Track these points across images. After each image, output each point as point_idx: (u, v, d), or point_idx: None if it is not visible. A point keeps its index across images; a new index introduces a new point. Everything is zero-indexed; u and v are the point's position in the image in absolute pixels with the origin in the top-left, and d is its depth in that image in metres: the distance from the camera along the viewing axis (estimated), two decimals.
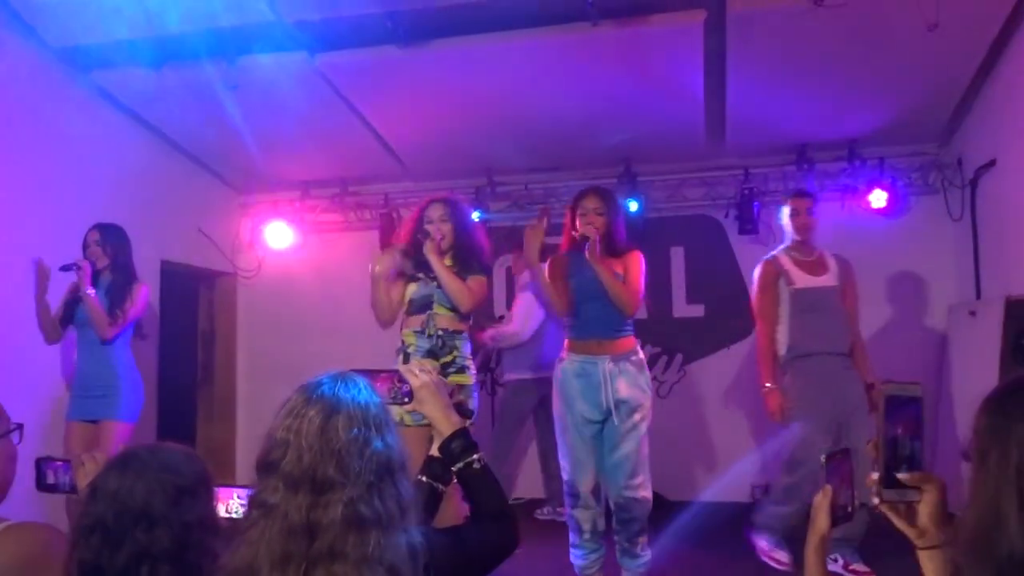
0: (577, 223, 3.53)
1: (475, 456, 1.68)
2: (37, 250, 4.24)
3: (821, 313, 3.88)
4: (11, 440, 1.73)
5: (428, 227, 3.48)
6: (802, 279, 3.95)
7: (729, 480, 5.53)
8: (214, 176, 6.20)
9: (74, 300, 4.12)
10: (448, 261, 3.50)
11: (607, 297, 3.41)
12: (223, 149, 5.79)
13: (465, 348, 3.49)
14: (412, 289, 3.51)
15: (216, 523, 1.50)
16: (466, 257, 3.53)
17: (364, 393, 1.41)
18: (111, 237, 4.18)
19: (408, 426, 3.24)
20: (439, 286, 3.44)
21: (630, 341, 3.51)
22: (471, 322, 3.61)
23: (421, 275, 3.49)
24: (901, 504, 1.22)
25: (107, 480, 1.44)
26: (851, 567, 3.84)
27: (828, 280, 3.95)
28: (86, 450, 3.68)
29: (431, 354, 3.41)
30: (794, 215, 4.00)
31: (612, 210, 3.55)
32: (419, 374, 1.75)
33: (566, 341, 3.58)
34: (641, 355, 3.53)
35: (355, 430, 1.34)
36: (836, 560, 3.86)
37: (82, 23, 4.38)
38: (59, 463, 1.95)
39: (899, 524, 1.23)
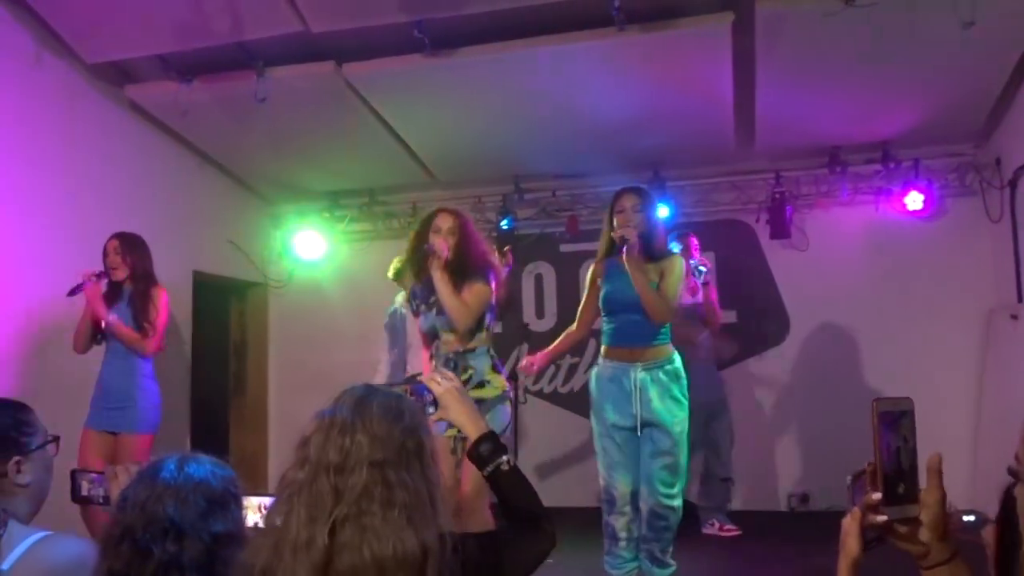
0: (615, 224, 3.45)
1: (504, 458, 1.66)
2: (70, 262, 4.29)
3: None
4: (48, 452, 1.75)
5: (434, 237, 3.35)
6: None
7: (765, 489, 5.44)
8: (244, 187, 6.26)
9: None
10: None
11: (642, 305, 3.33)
12: (253, 160, 5.85)
13: (481, 362, 3.36)
14: (420, 323, 3.51)
15: (244, 535, 1.48)
16: (465, 267, 3.37)
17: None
18: (131, 246, 4.10)
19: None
20: (438, 313, 3.36)
21: (665, 349, 3.43)
22: (488, 330, 3.46)
23: (423, 306, 3.42)
24: (902, 522, 1.18)
25: (137, 490, 1.44)
26: (724, 528, 4.77)
27: None
28: (102, 459, 3.72)
29: None
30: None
31: (650, 209, 3.48)
32: (441, 381, 1.74)
33: (602, 347, 3.53)
34: (677, 363, 3.45)
35: None
36: (713, 524, 4.79)
37: (115, 39, 4.46)
38: (93, 474, 1.96)
39: (901, 544, 1.18)
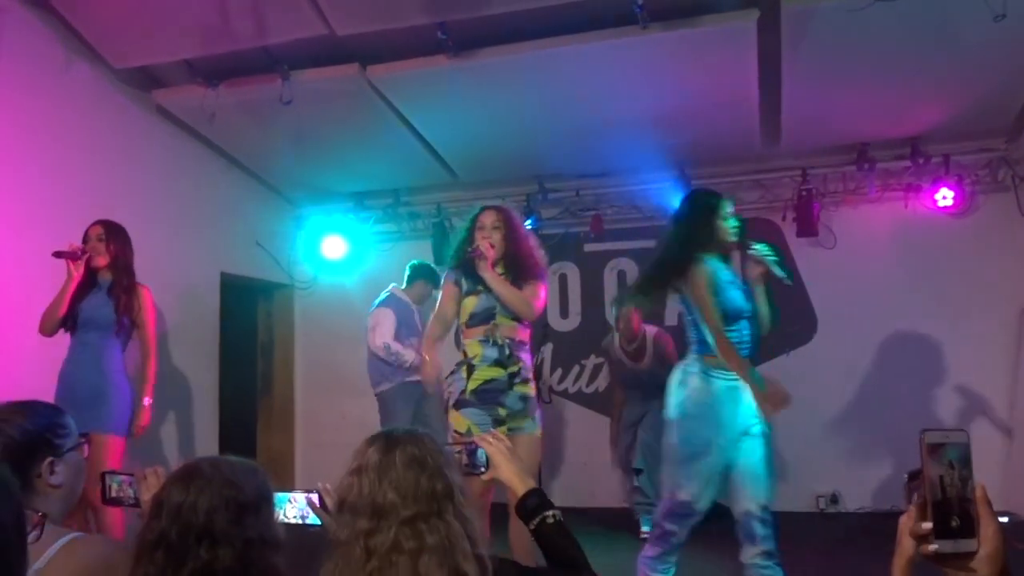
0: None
1: (549, 512, 1.72)
2: None
3: None
4: (79, 454, 1.77)
5: (479, 235, 3.41)
6: None
7: (794, 489, 5.39)
8: (270, 189, 6.32)
9: (76, 300, 3.77)
10: (500, 269, 3.43)
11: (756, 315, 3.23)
12: (278, 163, 5.90)
13: (528, 359, 3.42)
14: (472, 302, 3.40)
15: (278, 539, 1.50)
16: (519, 265, 3.45)
17: None
18: (115, 234, 3.86)
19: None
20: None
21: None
22: (531, 332, 3.55)
23: (480, 288, 3.40)
24: (958, 556, 1.13)
25: (171, 495, 1.45)
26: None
27: None
28: None
29: (498, 363, 3.33)
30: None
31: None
32: (493, 441, 1.82)
33: (707, 358, 3.16)
34: None
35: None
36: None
37: (142, 44, 4.52)
38: (123, 476, 1.99)
39: (952, 573, 1.15)
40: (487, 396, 3.30)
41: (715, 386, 3.11)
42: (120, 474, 1.99)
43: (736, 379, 3.09)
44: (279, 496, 1.83)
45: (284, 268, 6.49)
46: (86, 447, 1.83)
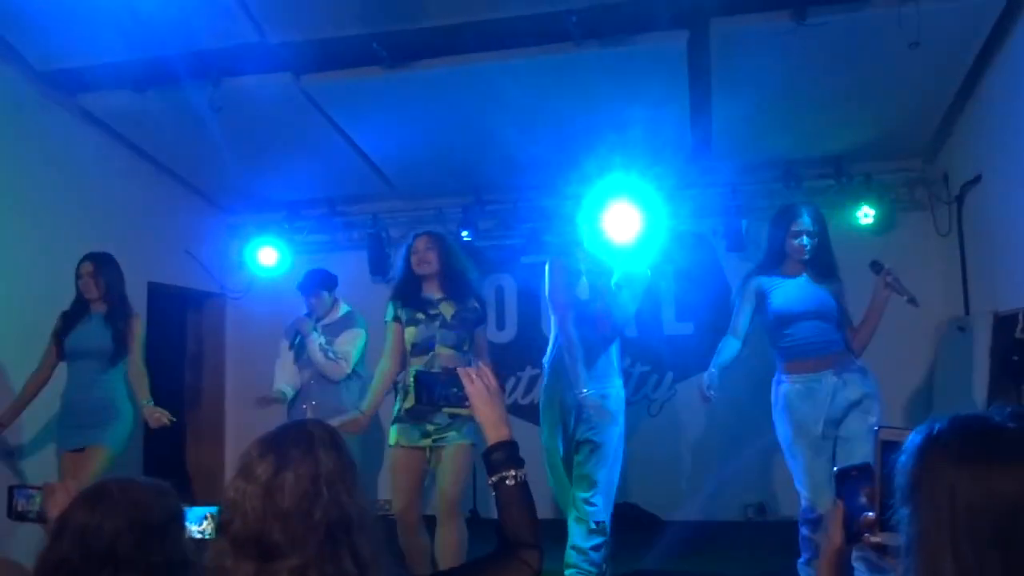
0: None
1: (512, 472, 1.62)
2: (24, 272, 4.21)
3: None
4: None
5: (414, 259, 3.70)
6: None
7: (721, 499, 5.49)
8: (201, 197, 6.19)
9: (64, 329, 3.99)
10: (436, 289, 3.69)
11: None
12: (209, 170, 5.79)
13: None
14: (412, 333, 3.63)
15: (186, 560, 1.47)
16: (455, 282, 3.69)
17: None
18: (105, 269, 4.04)
19: (402, 447, 3.50)
20: (442, 326, 3.57)
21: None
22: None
23: (421, 315, 3.61)
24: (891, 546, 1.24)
25: (75, 516, 1.41)
26: None
27: None
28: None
29: None
30: None
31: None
32: (475, 379, 1.71)
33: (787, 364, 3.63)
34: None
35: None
36: None
37: (66, 46, 4.39)
38: (31, 489, 1.92)
39: (890, 561, 1.25)
40: (418, 414, 3.51)
41: (781, 390, 3.58)
42: (28, 488, 1.93)
43: (804, 381, 3.50)
44: (195, 510, 1.79)
45: (215, 277, 6.36)
46: None
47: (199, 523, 1.85)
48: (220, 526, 1.28)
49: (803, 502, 3.47)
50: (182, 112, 4.88)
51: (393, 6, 4.02)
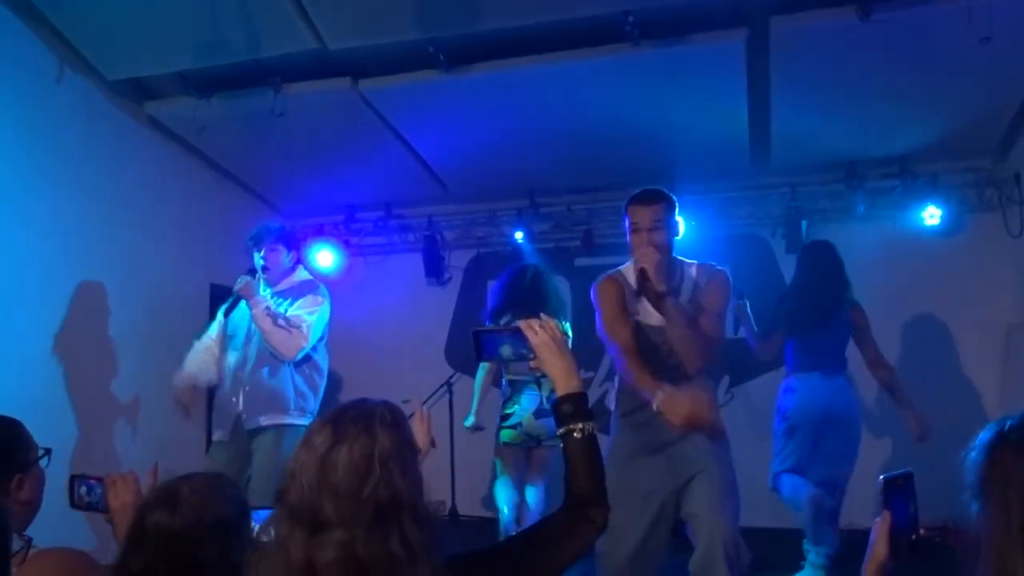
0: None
1: (580, 424, 1.56)
2: (90, 280, 4.35)
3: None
4: (41, 466, 1.76)
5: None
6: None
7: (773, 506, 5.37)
8: (261, 201, 6.31)
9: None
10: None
11: None
12: (270, 175, 5.90)
13: None
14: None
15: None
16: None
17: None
18: None
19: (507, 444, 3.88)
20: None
21: None
22: None
23: None
24: None
25: (153, 520, 1.41)
26: None
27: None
28: None
29: None
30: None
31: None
32: (539, 331, 1.66)
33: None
34: None
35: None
36: None
37: (135, 56, 4.53)
38: (92, 480, 1.96)
39: None
40: None
41: None
42: (89, 478, 1.97)
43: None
44: (260, 512, 1.80)
45: None
46: (46, 459, 1.81)
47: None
48: (278, 494, 1.28)
49: None
50: (244, 118, 5.00)
51: (449, 10, 4.05)
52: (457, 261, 6.40)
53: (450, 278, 6.39)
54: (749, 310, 4.41)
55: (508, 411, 4.47)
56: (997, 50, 3.88)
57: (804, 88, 4.54)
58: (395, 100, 4.90)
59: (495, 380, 4.79)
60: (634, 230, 2.84)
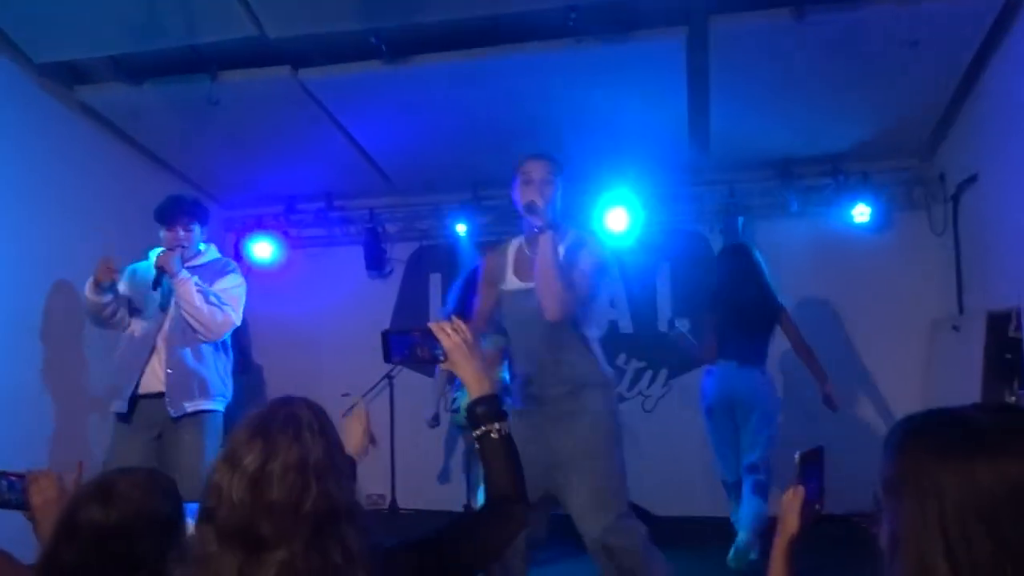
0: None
1: (496, 425, 1.60)
2: (22, 265, 4.19)
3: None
4: None
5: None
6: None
7: (714, 495, 5.50)
8: (198, 190, 6.14)
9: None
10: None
11: None
12: (207, 164, 5.77)
13: None
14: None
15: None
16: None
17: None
18: None
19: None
20: None
21: None
22: None
23: None
24: None
25: (86, 514, 1.37)
26: None
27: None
28: None
29: None
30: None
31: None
32: (451, 334, 1.68)
33: None
34: None
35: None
36: None
37: (65, 39, 4.36)
38: (13, 477, 1.90)
39: None
40: None
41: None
42: (10, 475, 1.91)
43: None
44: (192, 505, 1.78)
45: None
46: None
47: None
48: (204, 511, 1.22)
49: None
50: (179, 106, 4.87)
51: (392, 0, 4.01)
52: (399, 254, 6.36)
53: (391, 271, 6.35)
54: (687, 331, 4.88)
55: (455, 398, 4.91)
56: (924, 54, 4.04)
57: (742, 87, 4.64)
58: (337, 90, 4.84)
59: (451, 375, 4.84)
60: (526, 182, 3.06)
